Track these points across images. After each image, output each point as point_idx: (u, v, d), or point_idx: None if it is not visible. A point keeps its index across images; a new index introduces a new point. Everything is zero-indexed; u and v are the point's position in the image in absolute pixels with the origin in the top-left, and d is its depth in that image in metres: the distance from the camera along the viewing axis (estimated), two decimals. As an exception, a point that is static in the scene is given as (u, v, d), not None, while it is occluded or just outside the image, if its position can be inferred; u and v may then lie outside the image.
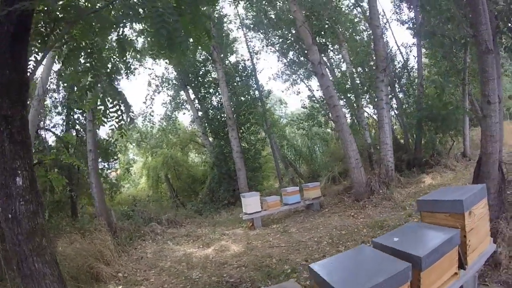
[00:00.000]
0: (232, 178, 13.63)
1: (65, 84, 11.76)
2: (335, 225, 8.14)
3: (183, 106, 16.90)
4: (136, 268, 6.52)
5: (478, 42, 4.83)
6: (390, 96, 13.10)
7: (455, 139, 12.92)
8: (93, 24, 3.98)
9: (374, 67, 11.82)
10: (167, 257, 7.25)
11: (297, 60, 14.72)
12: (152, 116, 17.10)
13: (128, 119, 4.82)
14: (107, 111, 4.85)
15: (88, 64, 4.47)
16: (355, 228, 7.51)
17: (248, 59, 16.15)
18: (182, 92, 16.37)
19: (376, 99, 10.93)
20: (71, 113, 12.44)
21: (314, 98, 14.92)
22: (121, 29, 4.22)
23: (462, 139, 13.17)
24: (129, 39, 4.42)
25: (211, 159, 14.77)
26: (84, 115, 11.72)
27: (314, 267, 2.74)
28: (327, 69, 14.03)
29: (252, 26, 14.84)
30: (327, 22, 11.07)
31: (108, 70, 4.65)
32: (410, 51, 14.26)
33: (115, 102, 4.85)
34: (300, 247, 6.87)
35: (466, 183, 9.12)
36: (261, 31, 14.31)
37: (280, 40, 13.69)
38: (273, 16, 12.47)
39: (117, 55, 4.95)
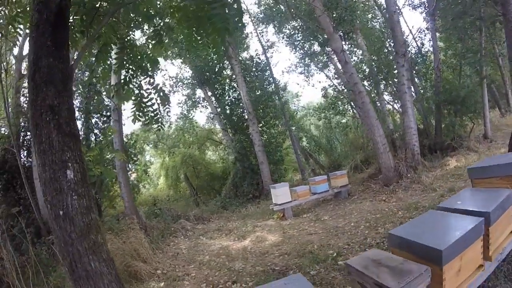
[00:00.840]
0: (255, 172, 13.39)
1: (81, 89, 11.74)
2: (368, 210, 7.95)
3: (199, 104, 16.67)
4: (174, 264, 6.33)
5: (507, 19, 5.62)
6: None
7: (475, 121, 12.66)
8: (129, 15, 3.79)
9: (393, 53, 11.65)
10: (203, 251, 7.05)
11: (315, 50, 14.45)
12: (169, 116, 16.93)
13: (166, 111, 4.63)
14: (142, 106, 4.67)
15: (120, 60, 4.28)
16: (389, 212, 7.32)
17: (262, 53, 15.89)
18: (198, 91, 16.18)
19: (397, 84, 10.76)
20: (90, 118, 12.36)
21: (334, 87, 14.48)
22: (159, 20, 4.02)
23: (482, 121, 12.93)
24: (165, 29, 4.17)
25: (233, 155, 14.53)
26: (102, 118, 11.63)
27: (395, 233, 2.83)
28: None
29: (263, 18, 14.58)
30: (345, 9, 10.74)
31: (143, 64, 4.46)
32: (425, 35, 13.81)
33: (150, 97, 4.67)
34: (338, 232, 6.72)
35: None
36: (275, 22, 14.03)
37: (296, 31, 13.46)
38: (287, 8, 12.16)
39: (149, 50, 4.70)
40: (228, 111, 14.42)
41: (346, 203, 9.50)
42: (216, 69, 14.54)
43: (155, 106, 4.80)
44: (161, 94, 4.49)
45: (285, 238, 7.00)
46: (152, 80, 4.58)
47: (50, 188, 2.77)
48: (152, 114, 4.76)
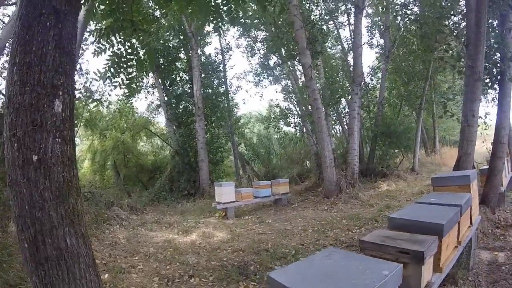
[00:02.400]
0: (193, 169, 12.55)
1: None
2: (312, 217, 7.98)
3: (145, 90, 15.22)
4: (114, 254, 5.39)
5: (474, 72, 6.19)
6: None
7: (404, 155, 13.85)
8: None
9: (345, 81, 12.63)
10: (146, 242, 6.20)
11: (274, 63, 14.43)
12: (110, 95, 15.17)
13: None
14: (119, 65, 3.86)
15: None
16: (333, 220, 7.47)
17: (220, 53, 15.27)
18: (148, 76, 14.79)
19: (349, 109, 11.40)
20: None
21: (286, 99, 14.39)
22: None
23: (412, 156, 14.26)
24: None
25: (174, 148, 13.47)
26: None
27: (396, 215, 3.12)
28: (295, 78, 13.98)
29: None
30: (320, 31, 11.14)
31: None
32: (376, 73, 14.77)
33: (129, 57, 3.88)
34: (288, 234, 6.57)
35: (417, 190, 10.14)
36: (239, 27, 13.66)
37: (260, 42, 13.36)
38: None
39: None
40: (174, 103, 13.38)
41: (287, 210, 9.42)
42: (170, 58, 13.48)
43: (131, 70, 4.02)
44: (150, 50, 3.73)
45: (234, 236, 6.57)
46: (141, 38, 3.79)
47: (26, 119, 1.91)
48: (124, 77, 3.95)
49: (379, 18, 14.86)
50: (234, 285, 4.18)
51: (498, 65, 6.87)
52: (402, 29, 12.20)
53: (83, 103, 15.63)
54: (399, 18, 10.98)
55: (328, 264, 1.93)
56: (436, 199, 3.64)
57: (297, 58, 10.53)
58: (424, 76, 13.45)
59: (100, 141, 16.82)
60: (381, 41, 14.49)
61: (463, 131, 6.53)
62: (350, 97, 11.45)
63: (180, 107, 13.48)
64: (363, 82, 13.94)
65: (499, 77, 6.89)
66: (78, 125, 17.32)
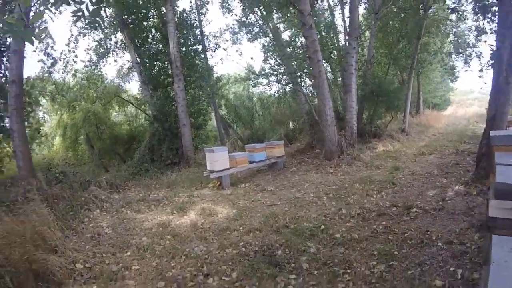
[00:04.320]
0: (174, 136, 11.07)
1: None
2: (319, 182, 7.07)
3: (113, 52, 13.12)
4: (99, 252, 4.15)
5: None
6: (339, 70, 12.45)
7: (393, 115, 13.10)
8: None
9: (346, 35, 11.11)
10: (136, 229, 4.96)
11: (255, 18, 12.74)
12: (75, 62, 13.00)
13: None
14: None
15: None
16: (344, 184, 6.58)
17: (195, 8, 13.22)
18: (116, 36, 12.68)
19: (345, 64, 10.08)
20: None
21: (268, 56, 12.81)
22: None
23: (402, 116, 13.66)
24: None
25: (152, 113, 11.80)
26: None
27: None
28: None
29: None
30: None
31: None
32: (364, 31, 13.48)
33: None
34: (301, 203, 5.60)
35: (416, 150, 9.77)
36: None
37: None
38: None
39: None
40: (148, 63, 11.53)
41: (286, 174, 8.42)
42: (141, 15, 11.42)
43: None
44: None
45: (240, 210, 5.48)
46: None
47: None
48: None
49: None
50: (269, 281, 3.13)
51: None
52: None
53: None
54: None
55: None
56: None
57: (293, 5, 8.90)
58: (415, 34, 12.61)
59: (70, 114, 14.88)
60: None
61: (498, 87, 5.48)
62: (346, 51, 10.23)
63: (155, 67, 11.66)
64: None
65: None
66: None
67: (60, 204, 5.67)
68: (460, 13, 13.17)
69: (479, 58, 14.32)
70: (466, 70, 18.29)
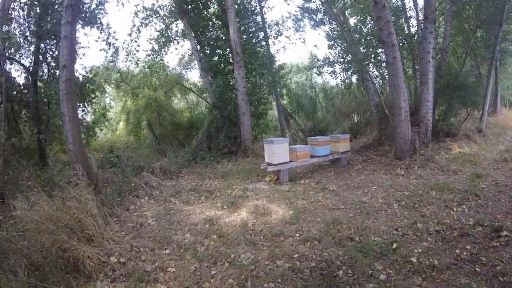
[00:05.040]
0: (233, 124, 10.62)
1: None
2: (389, 184, 6.03)
3: (174, 40, 13.10)
4: (137, 246, 3.74)
5: None
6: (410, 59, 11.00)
7: (470, 113, 11.27)
8: None
9: (422, 18, 9.55)
10: (180, 223, 4.50)
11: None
12: (138, 51, 13.28)
13: None
14: None
15: None
16: (418, 190, 5.51)
17: None
18: (176, 25, 12.67)
19: (421, 52, 8.79)
20: (42, 42, 9.11)
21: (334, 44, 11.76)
22: None
23: (479, 114, 11.75)
24: None
25: (211, 101, 11.51)
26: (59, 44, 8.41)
27: None
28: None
29: None
30: None
31: None
32: (440, 15, 11.82)
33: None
34: (368, 210, 4.71)
35: (496, 155, 8.25)
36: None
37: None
38: None
39: None
40: (209, 50, 11.24)
41: (351, 172, 7.44)
42: (202, 1, 11.16)
43: None
44: None
45: (297, 212, 4.72)
46: None
47: None
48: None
49: None
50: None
51: None
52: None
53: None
54: None
55: None
56: None
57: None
58: (496, 21, 10.50)
59: (133, 101, 15.38)
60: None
61: None
62: (422, 36, 8.85)
63: (216, 55, 11.32)
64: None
65: None
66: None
67: (109, 189, 5.49)
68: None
69: None
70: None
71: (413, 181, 6.23)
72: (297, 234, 3.88)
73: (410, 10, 11.58)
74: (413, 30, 11.17)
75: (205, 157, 9.90)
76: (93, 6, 10.09)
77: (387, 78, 11.65)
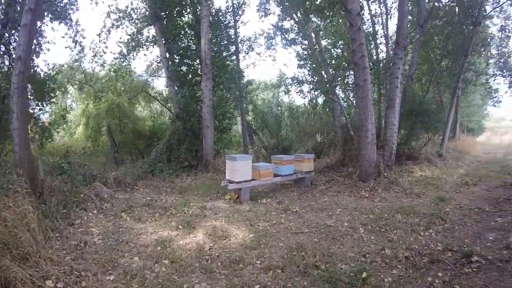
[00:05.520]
0: (196, 136, 10.24)
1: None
2: (353, 207, 6.00)
3: (144, 46, 12.58)
4: (79, 269, 3.29)
5: None
6: (377, 84, 11.38)
7: (431, 137, 11.98)
8: None
9: (393, 44, 10.03)
10: (129, 244, 4.08)
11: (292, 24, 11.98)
12: (105, 53, 12.58)
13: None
14: None
15: None
16: (383, 213, 5.49)
17: (231, 7, 12.47)
18: (148, 30, 12.23)
19: (390, 77, 9.18)
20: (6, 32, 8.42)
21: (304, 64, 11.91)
22: None
23: (440, 139, 12.62)
24: None
25: (175, 111, 11.08)
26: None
27: None
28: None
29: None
30: None
31: None
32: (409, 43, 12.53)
33: None
34: (334, 234, 4.56)
35: (457, 179, 8.66)
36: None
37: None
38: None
39: None
40: (177, 59, 10.89)
41: (314, 193, 7.39)
42: (176, 10, 10.89)
43: None
44: None
45: (258, 235, 4.45)
46: None
47: None
48: None
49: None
50: None
51: None
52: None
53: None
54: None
55: None
56: None
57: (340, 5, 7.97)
58: (462, 52, 11.36)
59: (95, 105, 14.54)
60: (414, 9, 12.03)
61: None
62: (391, 63, 9.21)
63: (184, 65, 11.00)
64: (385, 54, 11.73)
65: None
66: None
67: (54, 199, 4.93)
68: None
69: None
70: (510, 95, 16.79)
71: (377, 204, 6.28)
72: (258, 262, 3.63)
73: (381, 36, 12.08)
74: (381, 56, 11.68)
75: (164, 169, 9.45)
76: (65, -1, 9.58)
77: (353, 101, 12.00)
